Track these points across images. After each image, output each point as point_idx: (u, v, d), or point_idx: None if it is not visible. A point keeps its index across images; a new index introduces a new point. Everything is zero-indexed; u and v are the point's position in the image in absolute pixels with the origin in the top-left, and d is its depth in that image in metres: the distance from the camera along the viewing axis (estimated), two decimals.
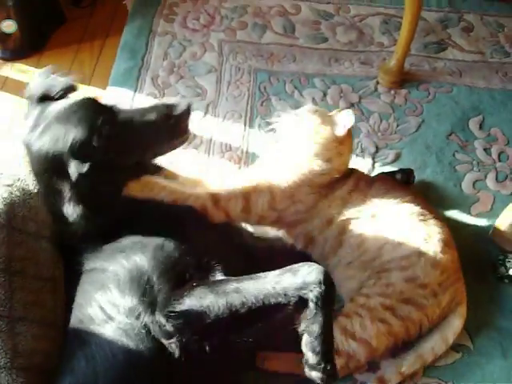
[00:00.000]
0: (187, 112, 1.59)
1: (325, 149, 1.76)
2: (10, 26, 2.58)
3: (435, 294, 1.66)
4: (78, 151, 1.44)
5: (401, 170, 2.11)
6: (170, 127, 1.59)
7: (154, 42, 2.70)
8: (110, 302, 1.43)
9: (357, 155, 2.26)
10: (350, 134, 1.83)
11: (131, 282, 1.44)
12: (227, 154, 2.26)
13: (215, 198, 1.69)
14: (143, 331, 1.39)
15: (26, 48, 2.69)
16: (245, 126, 2.36)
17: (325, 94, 2.49)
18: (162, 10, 2.86)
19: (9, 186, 1.53)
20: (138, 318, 1.39)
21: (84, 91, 1.64)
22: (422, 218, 1.73)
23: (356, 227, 1.74)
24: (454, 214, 2.11)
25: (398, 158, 2.27)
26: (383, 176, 1.99)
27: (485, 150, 2.32)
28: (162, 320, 1.38)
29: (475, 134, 2.37)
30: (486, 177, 2.23)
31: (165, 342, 1.38)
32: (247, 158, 2.24)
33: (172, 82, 2.53)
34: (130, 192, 1.59)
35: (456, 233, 2.01)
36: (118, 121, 1.53)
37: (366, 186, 1.81)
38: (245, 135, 2.33)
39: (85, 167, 1.44)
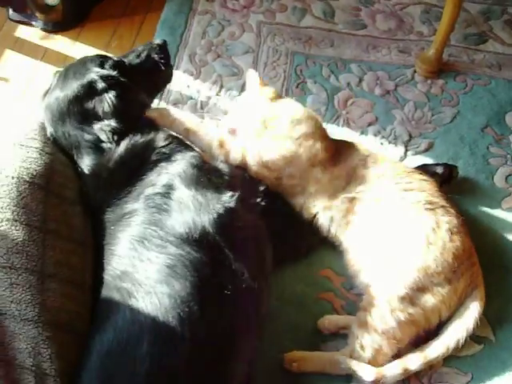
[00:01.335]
0: (162, 46, 1.94)
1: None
2: None
3: (450, 281, 1.66)
4: (102, 65, 1.76)
5: (444, 164, 2.09)
6: (155, 60, 1.91)
7: (194, 20, 2.72)
8: (158, 237, 1.47)
9: (389, 142, 2.26)
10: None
11: (173, 208, 1.52)
12: None
13: (222, 140, 1.80)
14: (195, 256, 1.44)
15: (68, 20, 2.72)
16: None
17: (361, 80, 2.48)
18: None
19: (51, 154, 1.62)
20: (190, 240, 1.46)
21: None
22: (429, 206, 1.72)
23: (361, 210, 1.75)
24: (484, 206, 2.09)
25: (430, 147, 2.26)
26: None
27: None
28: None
29: (511, 129, 2.33)
30: None
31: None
32: None
33: (209, 60, 2.55)
34: (151, 115, 1.81)
35: (485, 225, 2.02)
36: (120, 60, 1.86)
37: (374, 164, 1.82)
38: None
39: (112, 72, 1.74)
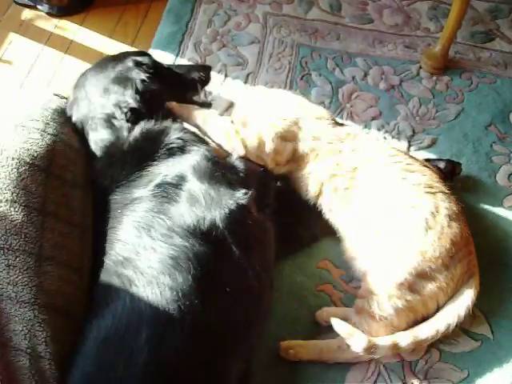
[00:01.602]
0: (207, 68, 2.02)
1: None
2: None
3: (447, 267, 1.64)
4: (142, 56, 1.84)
5: (447, 160, 2.09)
6: (193, 77, 1.97)
7: (200, 8, 2.71)
8: (164, 226, 1.46)
9: (393, 137, 2.25)
10: None
11: (186, 200, 1.50)
12: None
13: (236, 129, 1.81)
14: (200, 249, 1.43)
15: (73, 5, 2.71)
16: None
17: (366, 74, 2.47)
18: None
19: (53, 135, 1.60)
20: (197, 233, 1.45)
21: None
22: (429, 190, 1.71)
23: (362, 184, 1.75)
24: (486, 204, 2.08)
25: (433, 143, 2.25)
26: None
27: None
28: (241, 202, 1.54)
29: None
30: None
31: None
32: None
33: (214, 49, 2.55)
34: (170, 105, 1.82)
35: (486, 223, 2.02)
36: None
37: (376, 140, 1.92)
38: None
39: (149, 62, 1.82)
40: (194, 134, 1.76)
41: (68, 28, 2.66)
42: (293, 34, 2.63)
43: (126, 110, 1.69)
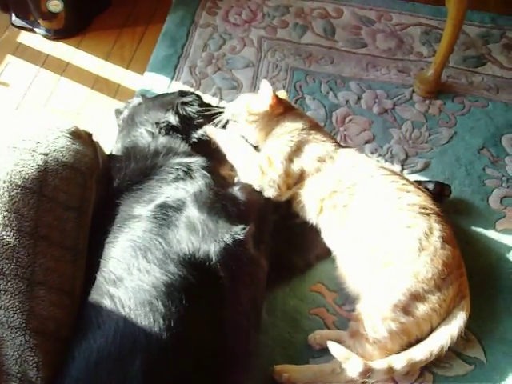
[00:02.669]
0: None
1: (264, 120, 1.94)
2: (56, 6, 2.63)
3: (440, 288, 1.65)
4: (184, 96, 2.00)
5: (436, 182, 2.11)
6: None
7: (195, 32, 2.74)
8: (161, 251, 1.46)
9: (386, 160, 2.26)
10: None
11: (184, 227, 1.51)
12: None
13: (258, 160, 1.88)
14: (193, 281, 1.42)
15: (70, 28, 2.74)
16: None
17: (359, 98, 2.49)
18: (205, 2, 2.90)
19: (45, 155, 1.56)
20: (192, 263, 1.45)
21: None
22: (423, 210, 1.73)
23: (359, 201, 1.77)
24: (478, 227, 2.09)
25: (426, 167, 2.26)
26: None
27: None
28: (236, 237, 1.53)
29: (507, 151, 2.34)
30: None
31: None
32: None
33: (209, 72, 2.57)
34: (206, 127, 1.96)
35: (479, 246, 2.02)
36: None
37: (374, 160, 1.93)
38: None
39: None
40: (205, 161, 1.77)
41: (64, 50, 2.69)
42: (287, 57, 2.65)
43: (162, 125, 1.82)
